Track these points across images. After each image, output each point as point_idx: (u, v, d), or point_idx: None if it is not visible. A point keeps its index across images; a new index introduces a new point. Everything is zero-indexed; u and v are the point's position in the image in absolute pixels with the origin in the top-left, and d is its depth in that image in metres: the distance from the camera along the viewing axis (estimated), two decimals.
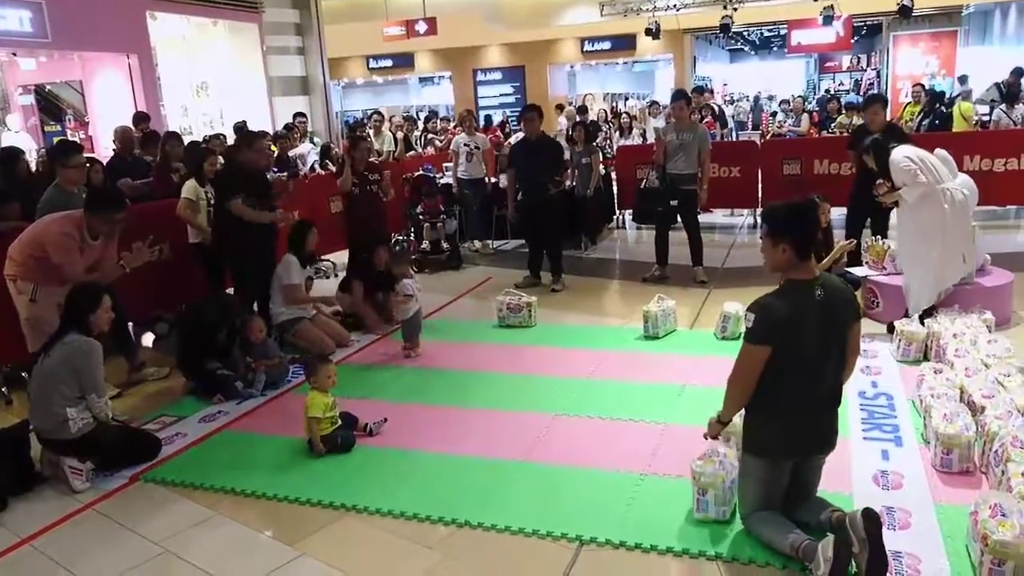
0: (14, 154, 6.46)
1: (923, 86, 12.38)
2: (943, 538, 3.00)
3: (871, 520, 2.69)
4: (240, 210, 5.64)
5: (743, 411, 3.13)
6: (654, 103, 14.77)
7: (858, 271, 6.04)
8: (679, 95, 7.57)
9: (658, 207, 7.26)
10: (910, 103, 12.02)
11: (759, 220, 9.38)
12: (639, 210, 7.72)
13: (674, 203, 7.16)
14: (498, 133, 14.18)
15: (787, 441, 2.99)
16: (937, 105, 11.69)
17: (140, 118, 8.99)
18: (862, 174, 6.87)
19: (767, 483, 3.02)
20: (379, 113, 12.44)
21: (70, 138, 11.73)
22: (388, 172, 7.57)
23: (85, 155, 6.84)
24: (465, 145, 9.15)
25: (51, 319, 4.53)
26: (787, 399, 2.94)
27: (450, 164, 9.67)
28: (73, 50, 10.12)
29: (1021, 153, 8.63)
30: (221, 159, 6.56)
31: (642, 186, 7.60)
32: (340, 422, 4.18)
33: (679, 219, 7.34)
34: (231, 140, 8.95)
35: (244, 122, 9.75)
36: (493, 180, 9.66)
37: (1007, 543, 2.61)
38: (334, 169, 8.63)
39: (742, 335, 3.09)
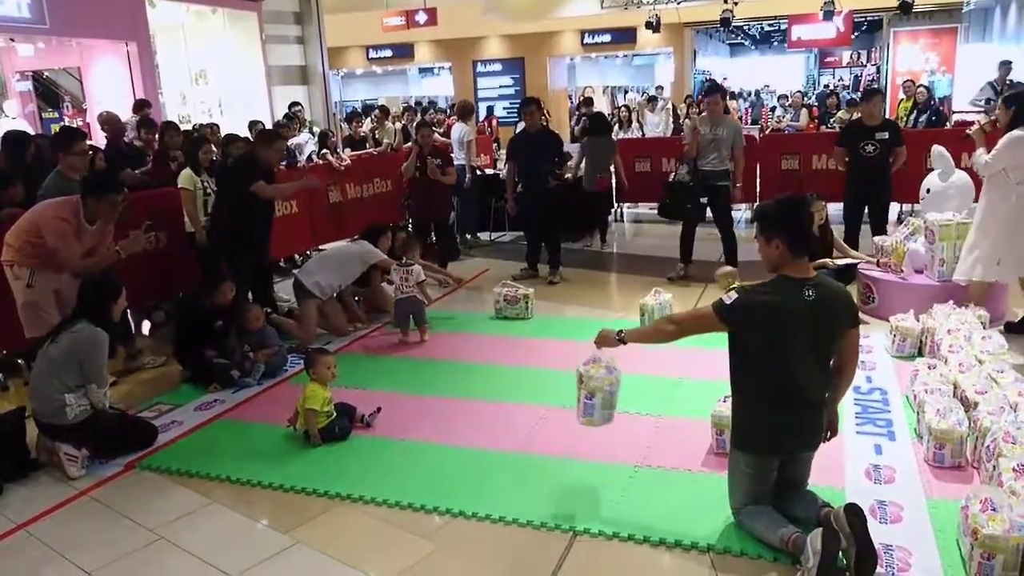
0: (22, 138, 6.41)
1: (913, 82, 12.35)
2: (934, 532, 3.02)
3: (855, 515, 2.71)
4: (264, 190, 5.67)
5: (731, 406, 3.15)
6: (652, 98, 14.75)
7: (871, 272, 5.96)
8: (714, 88, 7.27)
9: (688, 203, 7.03)
10: (902, 99, 12.00)
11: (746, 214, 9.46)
12: (667, 205, 7.40)
13: (704, 200, 6.93)
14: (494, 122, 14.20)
15: (771, 439, 3.00)
16: (933, 102, 11.66)
17: (141, 104, 8.98)
18: (857, 171, 6.87)
19: (754, 478, 3.04)
20: (383, 109, 12.46)
21: (69, 126, 11.72)
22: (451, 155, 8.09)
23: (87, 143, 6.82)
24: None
25: (48, 305, 4.55)
26: (771, 397, 2.96)
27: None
28: (71, 37, 10.06)
29: None
30: (214, 148, 6.57)
31: (671, 179, 7.32)
32: (335, 415, 4.19)
33: (699, 215, 7.07)
34: (225, 130, 8.94)
35: (260, 122, 9.73)
36: (490, 172, 9.73)
37: (997, 537, 2.63)
38: (332, 159, 8.62)
39: None
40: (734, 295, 2.92)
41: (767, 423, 2.98)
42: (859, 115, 7.16)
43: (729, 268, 6.12)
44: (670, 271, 7.18)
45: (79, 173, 5.14)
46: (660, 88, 19.18)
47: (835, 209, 6.93)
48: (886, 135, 6.69)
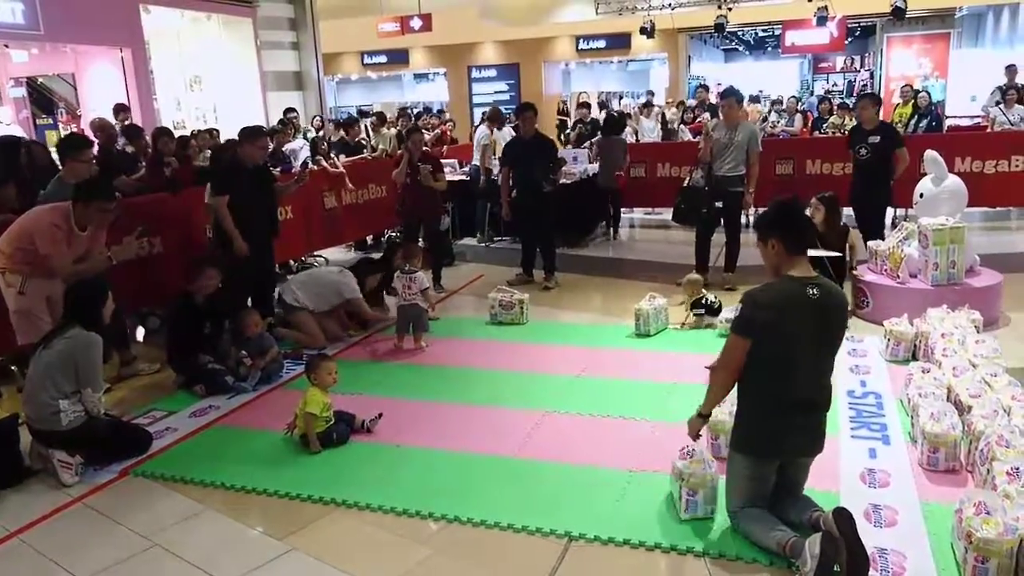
0: (14, 143, 6.39)
1: (911, 87, 12.41)
2: (928, 536, 3.02)
3: (843, 518, 2.72)
4: (221, 210, 5.62)
5: (736, 409, 3.16)
6: (647, 104, 14.78)
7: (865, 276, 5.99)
8: (730, 92, 7.18)
9: (702, 208, 6.92)
10: (899, 104, 12.04)
11: (751, 218, 9.45)
12: (680, 210, 7.27)
13: (719, 205, 6.84)
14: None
15: (773, 441, 3.01)
16: (934, 107, 11.71)
17: (119, 109, 9.00)
18: (859, 174, 6.90)
19: (753, 481, 3.04)
20: (380, 115, 12.47)
21: (63, 131, 11.71)
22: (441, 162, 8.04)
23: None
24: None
25: (40, 311, 4.53)
26: (775, 398, 2.96)
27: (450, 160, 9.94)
28: (65, 42, 10.08)
29: (1012, 155, 8.69)
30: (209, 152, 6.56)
31: (685, 184, 7.22)
32: (333, 420, 4.18)
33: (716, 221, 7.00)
34: (224, 135, 8.94)
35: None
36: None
37: (991, 541, 2.64)
38: (326, 164, 8.62)
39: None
40: (741, 306, 2.97)
41: (769, 426, 2.99)
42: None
43: (695, 276, 6.14)
44: (666, 276, 7.18)
45: (81, 180, 5.11)
46: (651, 93, 19.22)
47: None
48: (878, 139, 6.69)
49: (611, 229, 10.00)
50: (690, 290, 5.95)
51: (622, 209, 10.81)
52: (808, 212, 5.56)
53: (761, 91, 23.97)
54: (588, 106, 14.36)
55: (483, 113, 11.38)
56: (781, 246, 2.95)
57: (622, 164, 9.46)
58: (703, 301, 5.85)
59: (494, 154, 9.24)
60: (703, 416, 3.21)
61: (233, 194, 5.64)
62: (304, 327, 5.80)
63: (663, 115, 13.89)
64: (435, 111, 18.77)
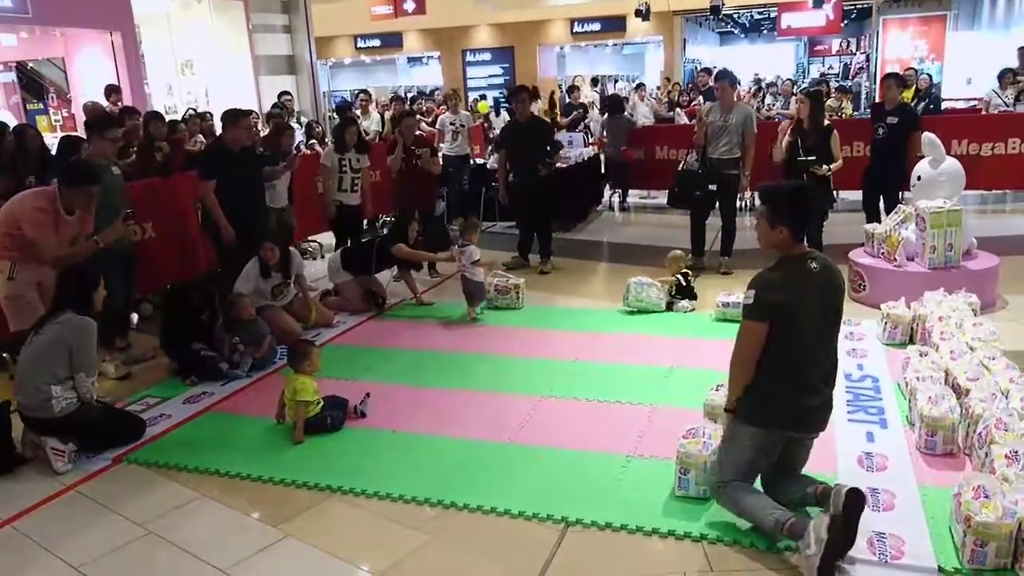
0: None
1: (915, 70, 12.33)
2: (927, 519, 3.02)
3: (854, 497, 2.69)
4: (208, 195, 5.61)
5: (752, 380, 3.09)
6: (640, 84, 14.71)
7: (862, 259, 6.00)
8: (724, 75, 7.15)
9: (696, 191, 6.89)
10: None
11: (749, 202, 9.41)
12: (675, 193, 7.25)
13: (713, 188, 6.80)
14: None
15: (785, 414, 2.97)
16: (934, 90, 11.62)
17: (111, 90, 8.90)
18: (872, 152, 6.95)
19: (758, 453, 2.99)
20: (366, 92, 12.35)
21: (53, 116, 11.62)
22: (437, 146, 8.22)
23: (71, 134, 6.73)
24: (451, 124, 9.24)
25: (30, 297, 4.48)
26: (792, 373, 2.93)
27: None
28: (55, 26, 9.94)
29: (1008, 137, 8.65)
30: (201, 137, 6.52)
31: (680, 167, 7.20)
32: (324, 405, 4.16)
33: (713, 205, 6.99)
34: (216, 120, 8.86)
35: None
36: (480, 161, 9.74)
37: (990, 524, 2.63)
38: (320, 150, 8.54)
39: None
40: (752, 292, 2.96)
41: (786, 398, 2.95)
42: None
43: (678, 252, 6.17)
44: (662, 260, 7.11)
45: (108, 158, 5.26)
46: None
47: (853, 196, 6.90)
48: (896, 120, 6.71)
49: (620, 201, 10.73)
50: (675, 266, 6.01)
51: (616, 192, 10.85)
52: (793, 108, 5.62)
53: (757, 74, 23.89)
54: (576, 89, 14.33)
55: (443, 96, 11.44)
56: (789, 234, 2.97)
57: (624, 140, 9.91)
58: (689, 283, 5.90)
59: (453, 137, 9.31)
60: (731, 411, 3.13)
61: (220, 179, 5.59)
62: (277, 323, 5.69)
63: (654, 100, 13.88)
64: (429, 93, 18.63)
